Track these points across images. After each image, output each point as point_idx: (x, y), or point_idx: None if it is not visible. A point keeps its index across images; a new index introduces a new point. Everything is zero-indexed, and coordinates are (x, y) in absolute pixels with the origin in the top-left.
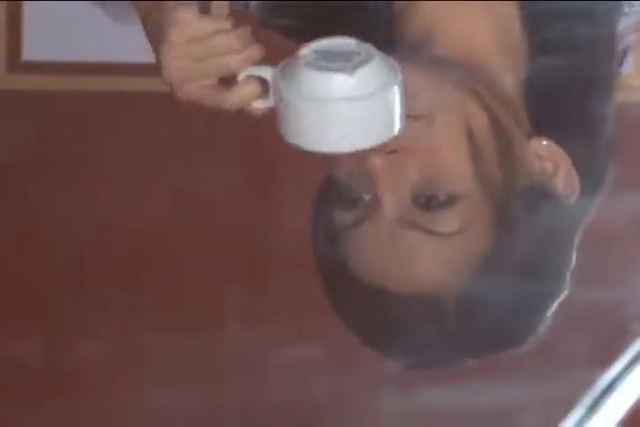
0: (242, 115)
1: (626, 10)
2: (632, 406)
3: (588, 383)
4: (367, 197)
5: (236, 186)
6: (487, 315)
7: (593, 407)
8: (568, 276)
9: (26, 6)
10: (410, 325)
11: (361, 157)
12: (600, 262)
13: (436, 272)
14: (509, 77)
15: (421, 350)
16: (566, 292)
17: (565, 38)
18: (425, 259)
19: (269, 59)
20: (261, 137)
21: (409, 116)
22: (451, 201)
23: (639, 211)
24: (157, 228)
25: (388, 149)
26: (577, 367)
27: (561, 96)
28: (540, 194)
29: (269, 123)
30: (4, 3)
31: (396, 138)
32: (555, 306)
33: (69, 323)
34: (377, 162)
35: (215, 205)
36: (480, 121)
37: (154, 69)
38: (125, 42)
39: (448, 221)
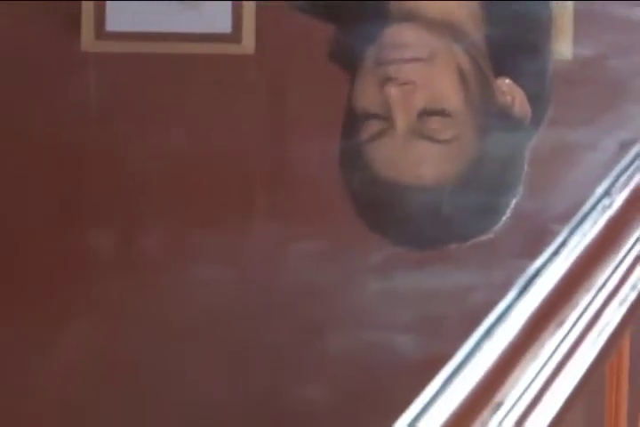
0: (268, 69)
1: None
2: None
3: (520, 270)
4: (385, 117)
5: (266, 121)
6: (469, 206)
7: (524, 289)
8: (521, 181)
9: None
10: (414, 212)
11: (381, 89)
12: (526, 177)
13: (437, 169)
14: (477, 36)
15: (418, 234)
16: (519, 195)
17: (507, 9)
18: (429, 159)
19: (301, 39)
20: (284, 86)
21: (416, 59)
22: (446, 118)
23: (548, 139)
24: (204, 151)
25: (401, 82)
26: (512, 258)
27: (511, 49)
28: (504, 116)
29: (290, 73)
30: None
31: (406, 74)
32: (513, 203)
33: (137, 220)
34: (393, 91)
35: (249, 135)
36: (466, 63)
37: (204, 37)
38: (183, 15)
39: (445, 132)
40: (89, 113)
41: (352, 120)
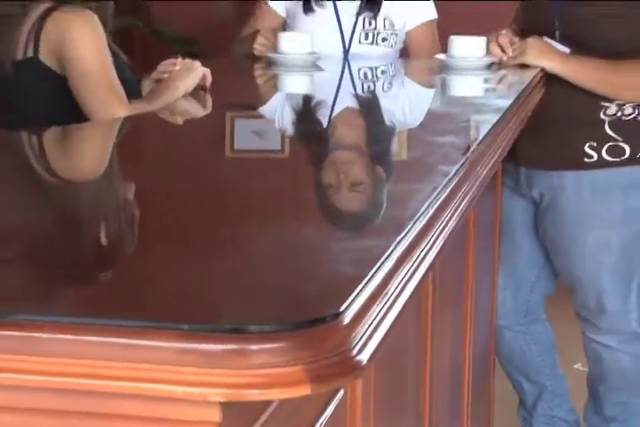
0: None
1: None
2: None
3: (411, 218)
4: (337, 184)
5: (292, 182)
6: (370, 208)
7: (416, 221)
8: (385, 198)
9: None
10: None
11: (337, 173)
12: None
13: (356, 199)
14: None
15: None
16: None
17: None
18: (352, 198)
19: None
20: (302, 168)
21: (350, 162)
22: (359, 185)
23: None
24: (275, 185)
25: (343, 171)
26: (406, 220)
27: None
28: (381, 181)
29: None
30: None
31: (346, 168)
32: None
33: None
34: (341, 175)
35: (287, 187)
36: (368, 165)
37: (268, 151)
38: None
39: (359, 188)
40: None
41: (323, 181)
